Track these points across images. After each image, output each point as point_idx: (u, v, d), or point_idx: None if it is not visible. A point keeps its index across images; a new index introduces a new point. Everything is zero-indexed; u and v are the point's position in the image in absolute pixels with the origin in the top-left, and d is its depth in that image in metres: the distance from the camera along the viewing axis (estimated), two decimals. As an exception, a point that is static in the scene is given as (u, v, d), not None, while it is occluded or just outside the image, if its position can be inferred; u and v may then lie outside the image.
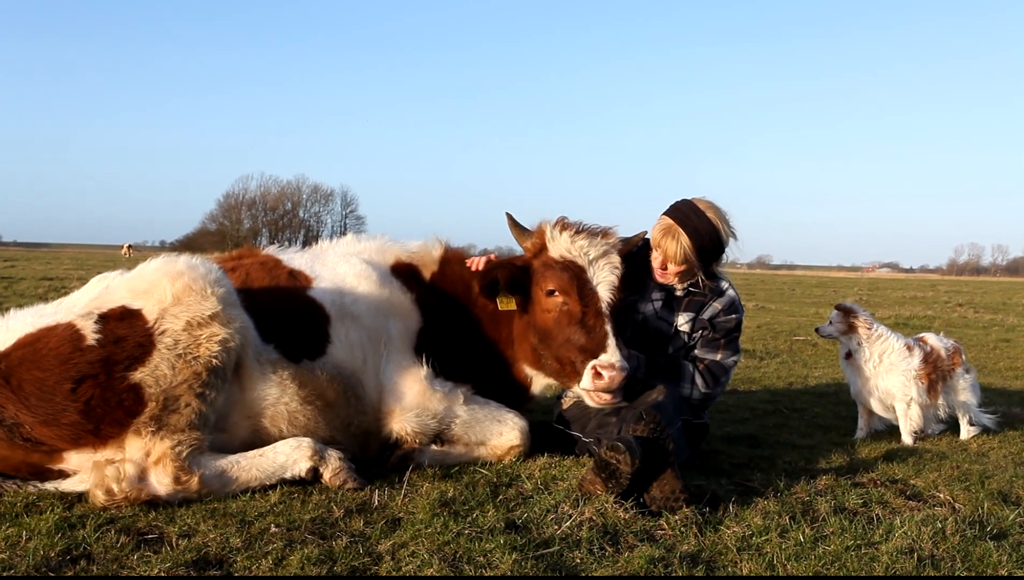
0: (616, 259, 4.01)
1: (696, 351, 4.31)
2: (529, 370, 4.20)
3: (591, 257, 3.96)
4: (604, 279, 3.94)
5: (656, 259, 4.26)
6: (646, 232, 4.34)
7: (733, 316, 4.30)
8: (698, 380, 4.22)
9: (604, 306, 3.88)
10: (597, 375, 3.73)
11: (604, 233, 4.07)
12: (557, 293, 3.93)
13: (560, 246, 4.01)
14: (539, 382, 4.25)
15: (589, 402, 3.89)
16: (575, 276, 3.92)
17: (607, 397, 3.78)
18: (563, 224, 4.08)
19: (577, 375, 3.84)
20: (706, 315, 4.29)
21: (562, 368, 3.95)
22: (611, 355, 3.75)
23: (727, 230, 4.20)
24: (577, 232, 4.03)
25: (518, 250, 4.29)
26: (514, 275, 4.03)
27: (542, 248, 4.07)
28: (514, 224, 4.24)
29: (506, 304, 4.09)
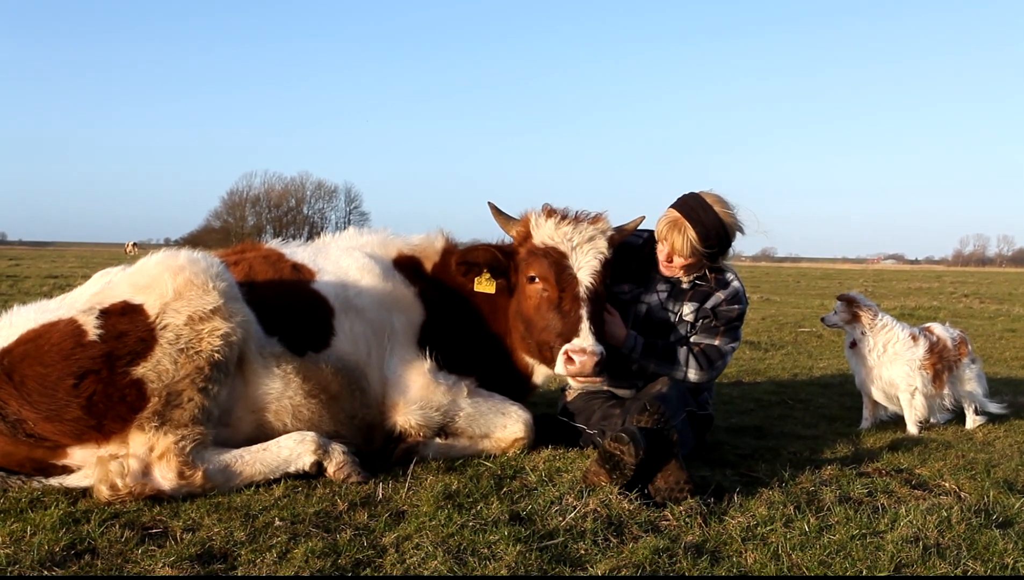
0: (602, 244, 3.99)
1: (695, 337, 4.30)
2: (527, 359, 4.19)
3: (574, 243, 3.95)
4: (585, 264, 3.92)
5: (662, 252, 4.23)
6: (643, 217, 4.33)
7: (736, 306, 4.28)
8: (691, 362, 4.19)
9: (582, 291, 3.87)
10: (569, 360, 3.73)
11: (593, 219, 4.06)
12: (538, 279, 3.94)
13: (544, 233, 4.01)
14: (540, 372, 4.23)
15: (573, 384, 3.90)
16: (555, 262, 3.92)
17: (585, 379, 3.79)
18: (548, 211, 4.07)
19: (555, 360, 3.84)
20: (709, 304, 4.27)
21: (543, 354, 3.96)
22: (583, 340, 3.74)
23: (734, 224, 4.17)
24: (562, 219, 4.02)
25: None
26: (495, 258, 4.05)
27: (527, 236, 4.07)
28: (498, 213, 4.22)
29: (482, 285, 4.10)
